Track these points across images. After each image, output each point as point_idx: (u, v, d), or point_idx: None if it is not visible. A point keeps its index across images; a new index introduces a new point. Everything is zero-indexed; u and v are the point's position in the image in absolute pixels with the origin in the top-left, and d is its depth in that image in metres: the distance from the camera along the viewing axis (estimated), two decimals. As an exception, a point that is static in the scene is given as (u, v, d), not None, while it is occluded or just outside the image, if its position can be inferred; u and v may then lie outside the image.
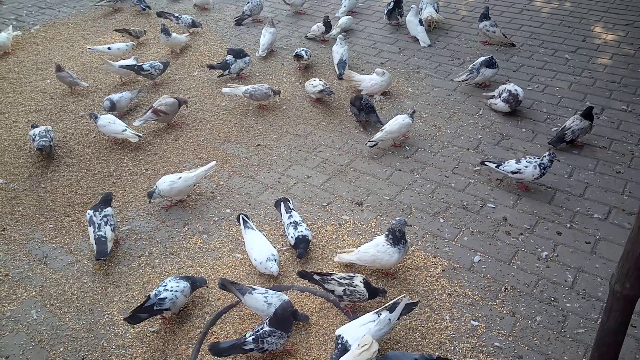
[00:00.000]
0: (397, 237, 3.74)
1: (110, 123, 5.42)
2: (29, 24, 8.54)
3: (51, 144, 5.34)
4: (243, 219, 4.22)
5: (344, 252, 4.04)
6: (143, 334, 3.64)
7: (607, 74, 6.34)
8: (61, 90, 6.65)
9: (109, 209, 4.34)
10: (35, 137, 5.31)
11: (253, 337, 3.30)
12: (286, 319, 3.33)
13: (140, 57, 7.27)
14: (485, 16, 6.96)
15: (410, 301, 3.43)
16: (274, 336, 3.28)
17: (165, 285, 3.63)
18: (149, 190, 4.60)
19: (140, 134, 5.47)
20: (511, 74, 6.40)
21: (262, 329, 3.31)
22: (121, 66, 6.51)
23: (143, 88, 6.46)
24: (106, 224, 4.23)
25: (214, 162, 4.83)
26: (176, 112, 5.75)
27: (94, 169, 5.29)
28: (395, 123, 5.19)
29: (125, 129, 5.42)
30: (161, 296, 3.55)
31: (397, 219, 3.80)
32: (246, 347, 3.29)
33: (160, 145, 5.57)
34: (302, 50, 6.62)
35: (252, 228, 4.17)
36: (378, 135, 5.19)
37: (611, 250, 4.05)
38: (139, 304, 3.60)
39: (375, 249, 3.78)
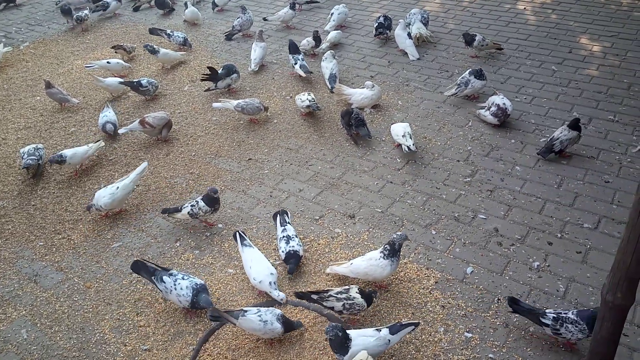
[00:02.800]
0: (394, 250, 3.77)
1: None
2: (18, 41, 8.52)
3: (39, 162, 5.30)
4: (240, 236, 4.15)
5: (336, 264, 4.04)
6: (135, 352, 3.60)
7: (593, 85, 6.43)
8: (51, 106, 6.63)
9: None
10: (24, 155, 5.28)
11: (554, 315, 3.26)
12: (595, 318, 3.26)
13: (131, 73, 7.27)
14: (470, 41, 7.02)
15: (412, 322, 3.43)
16: (577, 328, 3.19)
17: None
18: (88, 205, 4.73)
19: (102, 143, 5.58)
20: (499, 86, 6.47)
21: (566, 314, 3.25)
22: (121, 82, 6.58)
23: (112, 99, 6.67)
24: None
25: (145, 163, 4.99)
26: (162, 128, 5.74)
27: (84, 185, 5.26)
28: None
29: (89, 149, 5.36)
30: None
31: (399, 233, 3.84)
32: (543, 320, 3.29)
33: (151, 161, 5.55)
34: (296, 57, 6.71)
35: (250, 245, 4.09)
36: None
37: (602, 260, 4.08)
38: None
39: (369, 262, 3.80)
